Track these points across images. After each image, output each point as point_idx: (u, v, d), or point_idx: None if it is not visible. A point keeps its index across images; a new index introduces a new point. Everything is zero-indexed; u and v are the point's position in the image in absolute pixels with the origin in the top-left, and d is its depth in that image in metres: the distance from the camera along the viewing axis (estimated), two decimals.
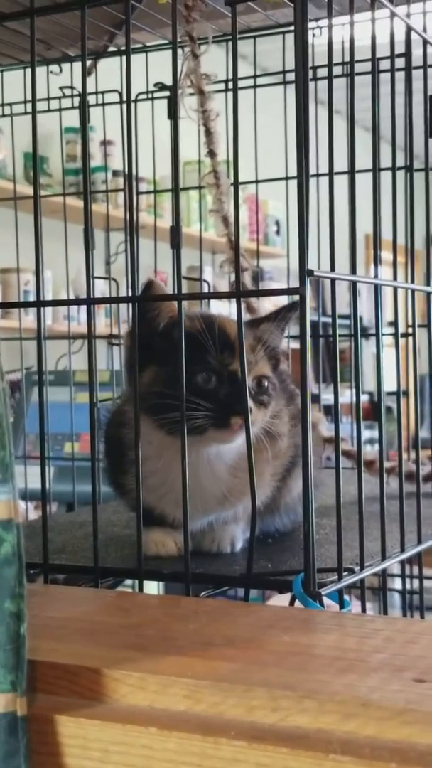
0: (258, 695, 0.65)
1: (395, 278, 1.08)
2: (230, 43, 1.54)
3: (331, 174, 0.94)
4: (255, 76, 1.68)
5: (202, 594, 1.00)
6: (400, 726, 0.61)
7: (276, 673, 0.69)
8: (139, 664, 0.71)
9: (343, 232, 1.03)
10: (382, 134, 1.05)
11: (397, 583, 1.61)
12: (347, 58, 1.00)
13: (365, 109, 1.06)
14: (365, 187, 1.04)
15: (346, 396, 2.75)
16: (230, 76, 1.60)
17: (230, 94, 1.54)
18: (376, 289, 1.00)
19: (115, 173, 3.63)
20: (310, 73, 1.50)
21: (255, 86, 1.69)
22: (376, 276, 0.99)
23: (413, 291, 1.11)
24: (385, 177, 1.11)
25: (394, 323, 1.08)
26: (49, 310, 3.78)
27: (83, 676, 0.70)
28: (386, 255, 1.08)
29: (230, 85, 1.60)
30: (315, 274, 0.87)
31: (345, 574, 0.95)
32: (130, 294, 0.98)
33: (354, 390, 1.00)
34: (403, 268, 1.14)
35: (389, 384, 1.13)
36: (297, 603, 0.91)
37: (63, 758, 0.67)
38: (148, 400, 1.02)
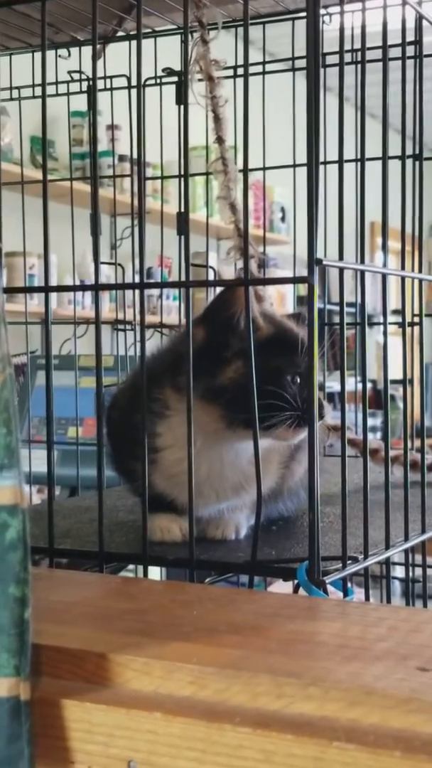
0: (263, 682, 0.66)
1: (403, 267, 1.08)
2: (239, 29, 1.54)
3: (341, 161, 0.94)
4: (264, 63, 1.68)
5: (207, 581, 1.00)
6: (404, 715, 0.61)
7: (280, 660, 0.69)
8: (144, 649, 0.71)
9: (349, 220, 1.03)
10: (391, 123, 1.05)
11: (398, 571, 1.61)
12: (357, 45, 1.00)
13: (375, 96, 1.06)
14: (373, 175, 1.04)
15: (350, 384, 2.75)
16: (239, 63, 1.60)
17: (239, 80, 1.54)
18: (384, 278, 1.00)
19: (121, 158, 3.62)
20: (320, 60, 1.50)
21: (264, 72, 1.68)
22: (384, 265, 0.99)
23: (420, 280, 1.11)
24: (394, 165, 1.11)
25: (401, 312, 1.08)
26: (53, 294, 3.78)
27: (89, 661, 0.71)
28: (393, 243, 1.07)
29: (239, 71, 1.60)
30: (324, 263, 0.87)
31: (349, 562, 0.95)
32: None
33: (360, 379, 1.00)
34: (411, 256, 1.14)
35: (393, 372, 1.13)
36: (301, 591, 0.91)
37: (68, 742, 0.68)
38: (227, 392, 1.03)
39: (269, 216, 5.31)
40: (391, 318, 1.06)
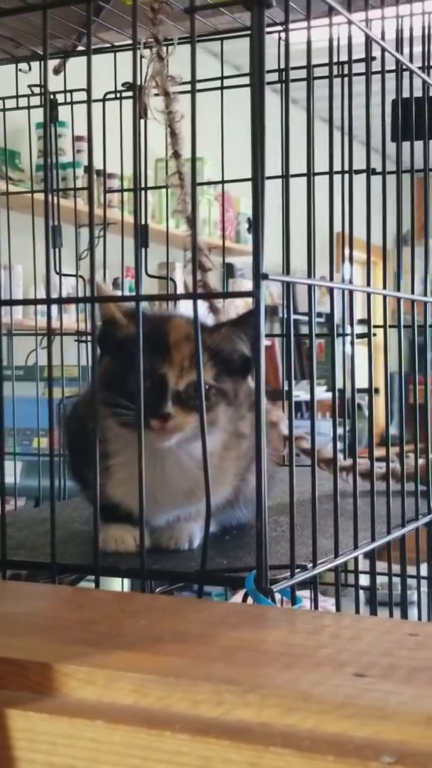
0: (203, 689, 0.67)
1: (368, 280, 1.10)
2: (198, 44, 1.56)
3: (287, 176, 0.96)
4: (222, 78, 1.70)
5: (157, 590, 1.02)
6: (338, 719, 0.63)
7: (222, 668, 0.70)
8: (88, 658, 0.72)
9: (321, 233, 1.04)
10: (354, 137, 1.07)
11: (363, 580, 1.63)
12: (319, 60, 1.02)
13: (338, 109, 1.08)
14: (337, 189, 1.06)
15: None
16: (199, 77, 1.62)
17: (198, 95, 1.56)
18: (332, 292, 1.02)
19: (87, 169, 3.62)
20: (277, 75, 1.52)
21: (222, 87, 1.70)
22: (331, 279, 1.01)
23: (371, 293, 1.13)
24: (359, 179, 1.14)
25: (367, 324, 1.10)
26: (18, 305, 3.77)
27: (33, 670, 0.72)
28: (361, 255, 1.09)
29: (198, 85, 1.62)
30: (270, 277, 0.88)
31: (298, 571, 0.97)
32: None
33: (327, 389, 1.02)
34: (371, 270, 1.16)
35: (358, 382, 1.16)
36: (250, 599, 0.93)
37: (11, 751, 0.68)
38: (102, 389, 1.06)
39: (235, 227, 5.33)
40: (356, 329, 1.08)
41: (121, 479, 1.10)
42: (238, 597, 2.17)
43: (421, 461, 1.28)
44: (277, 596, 0.94)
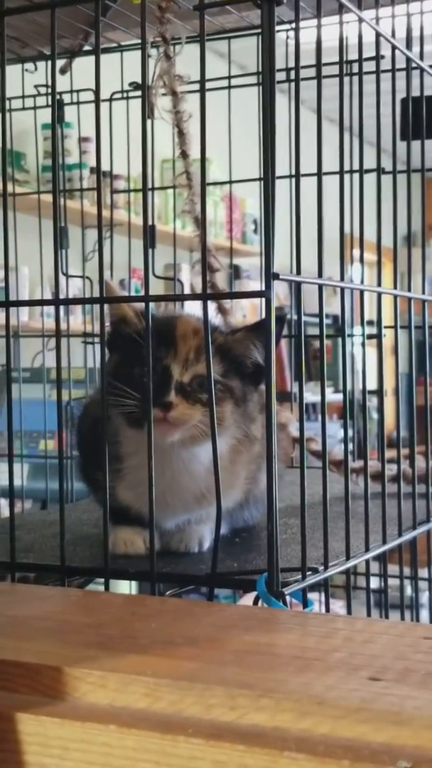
0: (216, 694, 0.66)
1: (379, 281, 1.09)
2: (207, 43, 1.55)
3: (297, 176, 0.95)
4: (229, 77, 1.69)
5: (168, 593, 1.01)
6: (353, 724, 0.62)
7: (235, 671, 0.70)
8: (100, 662, 0.71)
9: (331, 233, 1.03)
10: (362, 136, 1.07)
11: (374, 582, 1.62)
12: (325, 59, 1.01)
13: (346, 109, 1.08)
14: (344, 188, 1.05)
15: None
16: (207, 76, 1.61)
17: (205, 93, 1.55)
18: (342, 292, 1.01)
19: (92, 170, 3.62)
20: (285, 75, 1.51)
21: (229, 87, 1.70)
22: (342, 279, 1.00)
23: (381, 293, 1.12)
24: (367, 179, 1.13)
25: (377, 324, 1.09)
26: (24, 306, 3.76)
27: (45, 674, 0.71)
28: (369, 256, 1.09)
29: (206, 85, 1.61)
30: (281, 277, 0.88)
31: (309, 573, 0.96)
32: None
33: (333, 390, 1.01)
34: (379, 269, 1.15)
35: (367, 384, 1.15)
36: (261, 602, 0.92)
37: (23, 756, 0.68)
38: (110, 387, 1.04)
39: (241, 228, 5.32)
40: (360, 329, 1.08)
41: (132, 482, 1.09)
42: (245, 599, 2.16)
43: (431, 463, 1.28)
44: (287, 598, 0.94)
